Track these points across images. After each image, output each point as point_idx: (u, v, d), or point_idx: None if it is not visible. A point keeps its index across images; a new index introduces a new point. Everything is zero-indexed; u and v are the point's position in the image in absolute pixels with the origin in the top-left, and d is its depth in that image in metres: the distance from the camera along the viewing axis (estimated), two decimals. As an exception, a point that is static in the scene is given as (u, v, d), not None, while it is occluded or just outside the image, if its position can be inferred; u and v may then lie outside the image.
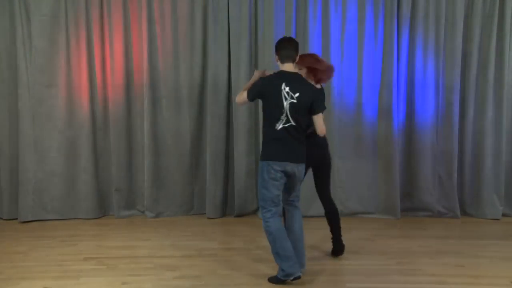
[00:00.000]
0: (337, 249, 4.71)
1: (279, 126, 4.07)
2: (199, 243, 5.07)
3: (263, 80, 4.19)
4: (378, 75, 5.82)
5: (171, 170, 5.92)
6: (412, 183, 6.03)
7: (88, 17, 5.70)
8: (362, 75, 5.82)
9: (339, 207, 6.01)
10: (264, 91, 4.13)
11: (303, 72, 4.43)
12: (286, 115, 4.06)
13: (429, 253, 4.81)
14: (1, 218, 5.87)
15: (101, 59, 5.76)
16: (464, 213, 6.08)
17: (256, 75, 4.33)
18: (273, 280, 4.18)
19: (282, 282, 4.13)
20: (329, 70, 4.50)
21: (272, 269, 4.40)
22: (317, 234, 5.24)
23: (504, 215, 6.04)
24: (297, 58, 4.20)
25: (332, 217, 4.66)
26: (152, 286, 4.08)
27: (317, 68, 4.43)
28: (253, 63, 5.77)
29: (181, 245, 5.01)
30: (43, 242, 5.10)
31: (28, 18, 5.63)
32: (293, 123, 4.06)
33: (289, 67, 4.15)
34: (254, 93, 4.18)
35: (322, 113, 4.21)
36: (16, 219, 5.82)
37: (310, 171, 4.58)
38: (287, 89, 4.06)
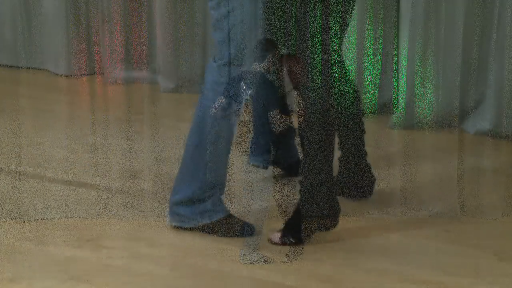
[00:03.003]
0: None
1: None
2: (199, 243, 5.07)
3: None
4: (378, 75, 5.82)
5: (171, 170, 5.93)
6: (412, 183, 6.03)
7: (88, 17, 5.71)
8: (362, 75, 5.82)
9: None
10: None
11: None
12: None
13: (429, 253, 4.82)
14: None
15: (101, 59, 5.77)
16: (464, 213, 6.08)
17: None
18: None
19: None
20: None
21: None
22: (316, 234, 5.25)
23: (504, 215, 6.04)
24: None
25: None
26: (152, 286, 4.08)
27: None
28: (253, 63, 5.77)
29: (181, 245, 5.01)
30: (43, 241, 5.10)
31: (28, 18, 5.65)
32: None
33: None
34: None
35: None
36: (18, 218, 5.83)
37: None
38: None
